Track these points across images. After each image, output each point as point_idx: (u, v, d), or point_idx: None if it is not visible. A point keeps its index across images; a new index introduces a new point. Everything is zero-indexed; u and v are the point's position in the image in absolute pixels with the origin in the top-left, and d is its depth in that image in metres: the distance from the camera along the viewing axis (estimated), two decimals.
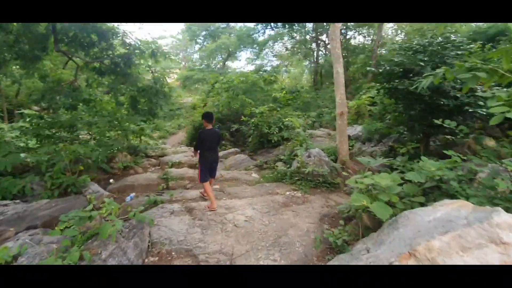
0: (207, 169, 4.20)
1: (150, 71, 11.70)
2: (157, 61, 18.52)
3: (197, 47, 28.07)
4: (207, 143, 4.16)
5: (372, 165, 3.42)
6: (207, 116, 4.28)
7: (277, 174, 5.90)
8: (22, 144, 6.58)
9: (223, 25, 21.63)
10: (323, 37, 18.24)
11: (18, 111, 9.06)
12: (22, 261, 2.41)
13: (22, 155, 4.99)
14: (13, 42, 6.36)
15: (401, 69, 5.79)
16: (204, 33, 23.79)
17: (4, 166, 4.24)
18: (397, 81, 5.65)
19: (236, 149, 9.01)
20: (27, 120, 6.54)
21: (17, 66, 7.59)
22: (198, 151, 4.30)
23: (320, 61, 17.67)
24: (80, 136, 7.12)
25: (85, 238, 2.72)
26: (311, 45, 19.20)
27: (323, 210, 4.01)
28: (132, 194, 5.10)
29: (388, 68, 6.01)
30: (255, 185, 5.64)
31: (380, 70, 6.11)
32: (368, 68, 7.74)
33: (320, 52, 18.86)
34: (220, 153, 8.71)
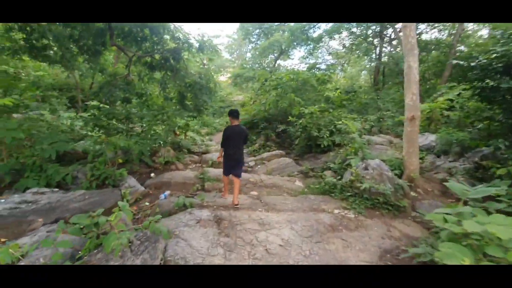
0: (229, 166, 4.17)
1: (201, 66, 11.84)
2: (210, 59, 18.88)
3: (250, 46, 28.18)
4: (230, 140, 4.08)
5: (471, 196, 2.37)
6: (232, 113, 4.16)
7: (324, 185, 5.03)
8: (87, 133, 7.04)
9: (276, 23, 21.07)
10: (388, 31, 16.18)
11: (85, 103, 9.90)
12: (26, 261, 2.17)
13: (76, 144, 5.18)
14: (78, 37, 6.82)
15: (501, 63, 4.35)
16: (257, 31, 23.62)
17: (49, 154, 4.36)
18: (495, 79, 4.25)
19: (280, 151, 8.32)
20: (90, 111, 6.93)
21: (84, 61, 8.17)
22: (223, 149, 4.25)
23: (383, 58, 15.71)
24: (134, 129, 7.36)
25: (93, 245, 2.39)
26: (373, 40, 17.28)
27: (383, 242, 3.07)
28: (167, 192, 4.85)
29: (483, 61, 4.60)
30: (298, 196, 4.89)
31: (472, 64, 4.71)
32: (453, 61, 6.20)
33: (383, 49, 16.81)
34: (264, 155, 8.15)
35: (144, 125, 7.18)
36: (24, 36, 6.82)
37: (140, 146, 5.73)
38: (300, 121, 7.24)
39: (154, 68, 7.62)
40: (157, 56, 7.49)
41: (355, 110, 10.90)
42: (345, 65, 23.45)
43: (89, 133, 6.93)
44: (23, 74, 10.02)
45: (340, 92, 10.49)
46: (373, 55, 17.99)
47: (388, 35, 16.43)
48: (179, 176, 5.54)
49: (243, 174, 5.95)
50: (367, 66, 30.42)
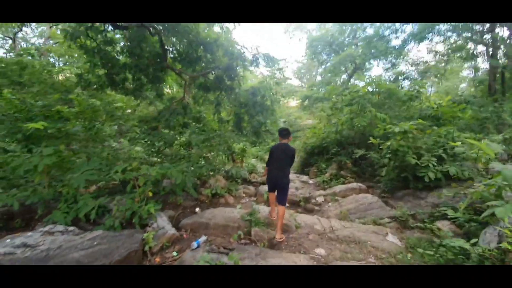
0: (270, 184, 4.03)
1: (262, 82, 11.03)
2: (277, 83, 18.17)
3: (320, 68, 26.87)
4: (274, 157, 3.89)
5: None
6: (280, 131, 3.95)
7: (445, 252, 2.92)
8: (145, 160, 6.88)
9: (348, 37, 19.23)
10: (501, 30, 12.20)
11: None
12: None
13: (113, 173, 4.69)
14: (146, 65, 6.89)
15: None
16: (327, 49, 22.22)
17: (77, 183, 3.83)
18: None
19: (359, 184, 6.28)
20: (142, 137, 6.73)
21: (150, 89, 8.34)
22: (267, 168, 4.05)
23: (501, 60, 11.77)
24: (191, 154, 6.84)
25: None
26: (475, 44, 13.43)
27: None
28: (202, 239, 3.67)
29: None
30: (396, 263, 2.93)
31: None
32: None
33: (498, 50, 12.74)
34: (336, 188, 6.27)
35: (196, 151, 6.47)
36: (106, 71, 7.31)
37: (183, 175, 4.86)
38: (388, 143, 5.20)
39: (209, 89, 7.04)
40: (210, 76, 6.91)
41: (467, 127, 7.86)
42: (438, 77, 19.22)
43: (149, 159, 6.64)
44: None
45: (450, 101, 7.75)
46: (477, 61, 13.90)
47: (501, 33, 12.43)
48: (220, 216, 4.32)
49: (305, 217, 4.32)
50: (469, 76, 24.66)
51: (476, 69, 18.76)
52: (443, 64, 17.39)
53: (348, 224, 4.19)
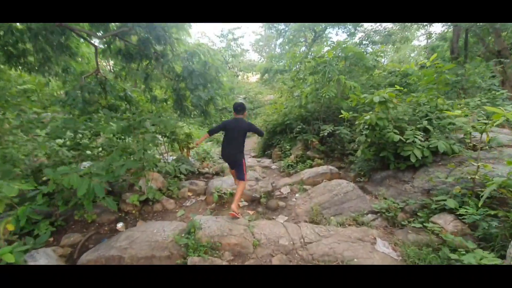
0: (224, 159, 3.92)
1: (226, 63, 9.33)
2: (234, 56, 16.40)
3: (280, 40, 25.29)
4: (229, 131, 3.68)
5: None
6: (235, 107, 3.72)
7: None
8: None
9: None
10: None
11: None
12: None
13: None
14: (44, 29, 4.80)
15: None
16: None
17: None
18: None
19: (330, 167, 5.27)
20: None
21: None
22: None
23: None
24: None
25: None
26: None
27: None
28: None
29: None
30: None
31: None
32: None
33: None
34: (304, 173, 5.20)
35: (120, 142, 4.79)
36: None
37: (88, 182, 3.25)
38: (366, 117, 4.13)
39: (132, 57, 5.21)
40: (133, 38, 5.07)
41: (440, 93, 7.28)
42: (396, 45, 19.04)
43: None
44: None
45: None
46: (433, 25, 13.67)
47: None
48: (143, 240, 2.89)
49: (267, 226, 3.14)
50: (421, 45, 25.30)
51: (429, 35, 18.96)
52: (400, 32, 17.09)
53: (324, 231, 3.10)
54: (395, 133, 3.94)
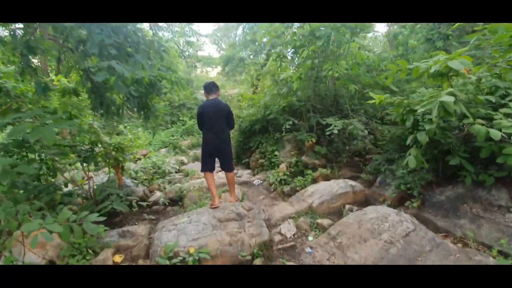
0: (208, 154, 3.10)
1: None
2: (188, 43, 13.79)
3: (240, 30, 23.07)
4: (206, 118, 3.00)
5: None
6: (205, 87, 3.15)
7: None
8: None
9: None
10: None
11: None
12: None
13: None
14: None
15: None
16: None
17: None
18: None
19: (350, 182, 3.46)
20: None
21: None
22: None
23: None
24: None
25: None
26: None
27: None
28: None
29: None
30: None
31: None
32: None
33: None
34: (311, 193, 3.30)
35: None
36: None
37: None
38: (429, 103, 2.31)
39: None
40: None
41: None
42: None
43: None
44: None
45: None
46: None
47: None
48: None
49: None
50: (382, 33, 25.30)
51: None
52: None
53: None
54: (483, 125, 2.21)
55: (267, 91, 5.32)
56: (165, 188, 4.21)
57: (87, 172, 3.68)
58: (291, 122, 4.63)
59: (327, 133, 3.87)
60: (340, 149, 4.44)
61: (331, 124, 3.93)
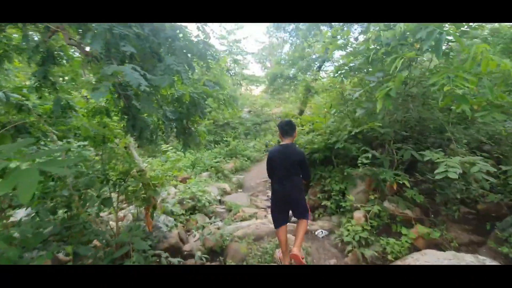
0: (277, 209, 2.73)
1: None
2: (236, 61, 13.57)
3: (286, 48, 22.62)
4: (276, 166, 2.66)
5: None
6: (280, 126, 2.75)
7: None
8: None
9: None
10: None
11: None
12: None
13: None
14: None
15: None
16: (292, 26, 17.90)
17: None
18: None
19: (479, 257, 2.11)
20: None
21: None
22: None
23: None
24: None
25: None
26: None
27: None
28: None
29: None
30: None
31: None
32: None
33: None
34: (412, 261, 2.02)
35: None
36: None
37: None
38: None
39: None
40: None
41: None
42: None
43: None
44: None
45: None
46: None
47: None
48: None
49: None
50: None
51: None
52: None
53: None
54: None
55: (334, 112, 4.20)
56: (202, 235, 3.29)
57: (116, 209, 2.98)
58: (369, 155, 3.43)
59: (437, 176, 2.60)
60: (449, 198, 3.07)
61: (435, 161, 2.66)
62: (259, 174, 8.19)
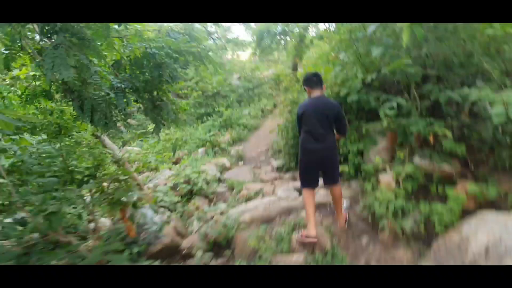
0: (309, 168, 2.47)
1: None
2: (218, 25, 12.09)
3: None
4: (310, 122, 2.38)
5: None
6: (307, 79, 2.50)
7: None
8: None
9: None
10: None
11: None
12: None
13: None
14: None
15: None
16: None
17: None
18: None
19: None
20: None
21: None
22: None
23: None
24: None
25: None
26: None
27: None
28: None
29: None
30: None
31: None
32: None
33: None
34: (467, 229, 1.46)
35: None
36: None
37: None
38: None
39: None
40: None
41: None
42: None
43: None
44: None
45: None
46: None
47: None
48: None
49: None
50: None
51: None
52: None
53: None
54: None
55: (345, 55, 3.36)
56: (203, 226, 2.75)
57: (92, 215, 2.38)
58: (393, 104, 2.74)
59: (497, 120, 1.94)
60: (496, 146, 2.45)
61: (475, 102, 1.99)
62: (259, 143, 7.56)
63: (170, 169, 5.43)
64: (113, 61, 1.94)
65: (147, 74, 1.93)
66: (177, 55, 1.90)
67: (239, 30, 32.69)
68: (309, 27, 10.14)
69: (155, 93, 2.09)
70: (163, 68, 1.85)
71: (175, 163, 6.39)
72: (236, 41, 18.25)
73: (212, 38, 13.54)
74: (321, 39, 6.88)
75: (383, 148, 3.14)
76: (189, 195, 3.96)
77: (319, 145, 2.36)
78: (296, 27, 12.00)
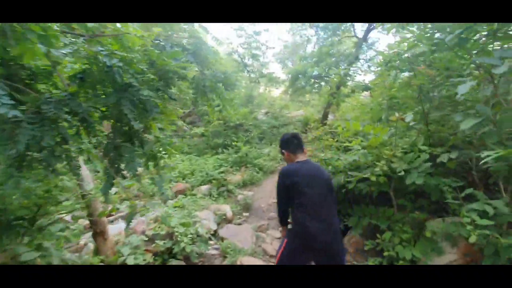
0: (296, 254, 1.81)
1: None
2: (254, 56, 12.22)
3: (310, 47, 20.67)
4: (304, 192, 1.76)
5: None
6: (287, 140, 2.05)
7: None
8: None
9: None
10: None
11: None
12: None
13: None
14: None
15: None
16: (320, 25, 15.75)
17: None
18: None
19: None
20: None
21: None
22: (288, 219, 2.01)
23: None
24: None
25: None
26: None
27: None
28: None
29: None
30: None
31: None
32: None
33: None
34: None
35: None
36: None
37: None
38: None
39: None
40: None
41: None
42: None
43: None
44: None
45: None
46: None
47: None
48: None
49: None
50: None
51: None
52: None
53: None
54: None
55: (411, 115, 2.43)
56: None
57: None
58: (486, 208, 1.73)
59: None
60: None
61: None
62: (271, 190, 6.57)
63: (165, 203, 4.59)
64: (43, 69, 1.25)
65: (103, 96, 1.20)
66: (154, 77, 1.17)
67: (275, 67, 33.52)
68: (349, 73, 9.50)
69: (117, 124, 1.34)
70: (127, 95, 1.10)
71: (178, 193, 5.60)
72: (270, 77, 18.19)
73: (247, 70, 13.42)
74: (365, 90, 6.11)
75: (451, 261, 2.07)
76: (167, 255, 3.01)
77: (325, 229, 1.70)
78: (333, 74, 11.47)
